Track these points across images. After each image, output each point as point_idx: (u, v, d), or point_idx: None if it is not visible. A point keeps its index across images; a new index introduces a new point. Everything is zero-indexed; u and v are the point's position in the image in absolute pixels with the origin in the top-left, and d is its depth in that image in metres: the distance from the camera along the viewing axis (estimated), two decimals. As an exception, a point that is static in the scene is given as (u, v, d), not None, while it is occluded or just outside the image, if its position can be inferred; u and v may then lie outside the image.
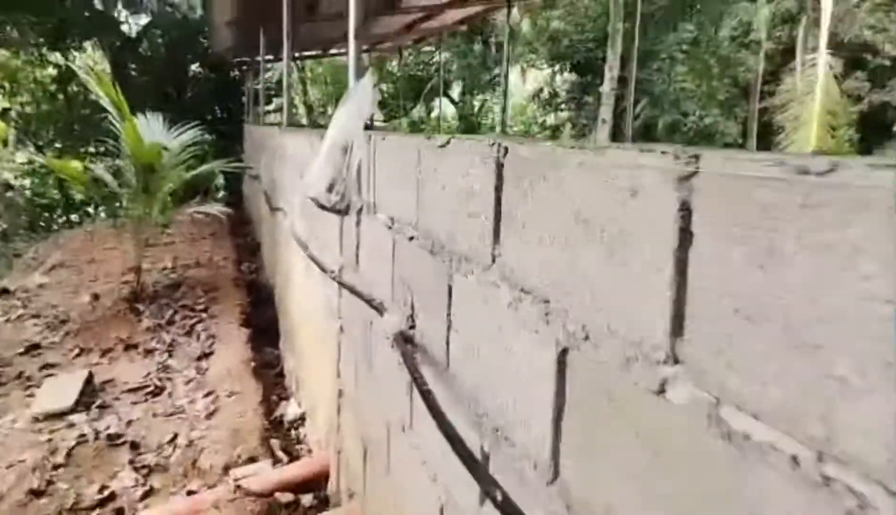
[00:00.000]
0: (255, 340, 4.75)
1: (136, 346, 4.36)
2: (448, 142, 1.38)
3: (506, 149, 1.11)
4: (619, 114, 12.28)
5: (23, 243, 8.62)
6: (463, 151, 1.30)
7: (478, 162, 1.21)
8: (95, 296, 5.43)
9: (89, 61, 13.25)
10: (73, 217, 13.73)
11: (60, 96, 12.69)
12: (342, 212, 2.28)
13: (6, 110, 12.99)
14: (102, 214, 9.48)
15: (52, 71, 13.06)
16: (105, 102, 4.63)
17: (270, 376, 4.29)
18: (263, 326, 5.25)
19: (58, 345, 4.52)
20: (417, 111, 21.81)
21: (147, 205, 4.94)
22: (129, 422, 3.31)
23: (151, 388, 3.69)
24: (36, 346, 4.48)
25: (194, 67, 14.60)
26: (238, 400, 3.53)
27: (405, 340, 1.63)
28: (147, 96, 11.44)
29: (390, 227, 1.91)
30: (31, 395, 3.67)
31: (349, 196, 2.26)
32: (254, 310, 5.37)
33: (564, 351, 0.93)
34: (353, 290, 2.29)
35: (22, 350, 4.43)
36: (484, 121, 20.67)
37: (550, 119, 19.19)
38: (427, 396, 1.35)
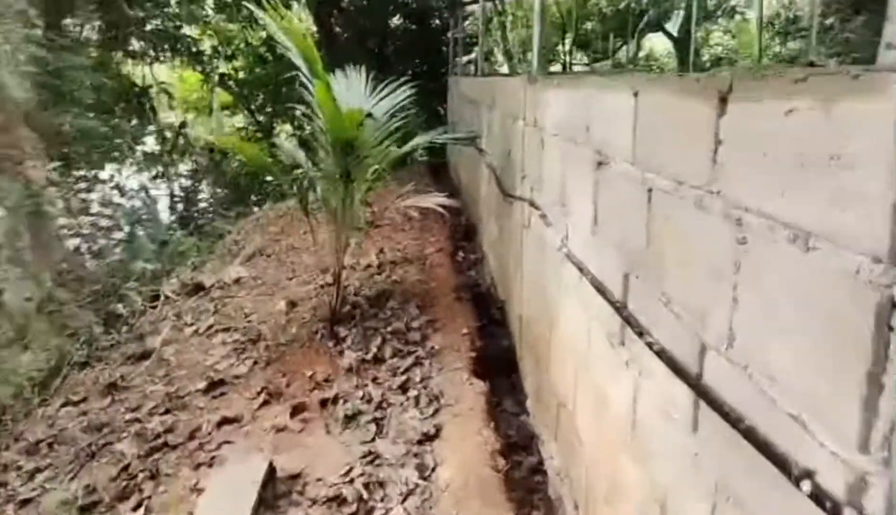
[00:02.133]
0: (491, 392, 3.29)
1: (335, 401, 3.13)
2: None
3: None
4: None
5: (228, 219, 8.23)
6: None
7: None
8: (292, 304, 4.40)
9: (295, 20, 12.79)
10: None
11: (270, 57, 12.47)
12: None
13: (223, 75, 13.16)
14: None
15: (263, 33, 12.86)
16: (293, 55, 3.33)
17: (522, 471, 2.78)
18: (494, 358, 3.80)
19: (243, 382, 3.49)
20: (628, 49, 18.75)
21: (347, 194, 3.65)
22: (321, 590, 2.01)
23: (354, 505, 2.37)
24: (219, 383, 3.49)
25: (395, 19, 13.81)
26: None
27: None
28: (351, 54, 10.62)
29: None
30: (198, 487, 2.58)
31: None
32: (482, 334, 3.92)
33: None
34: None
35: (203, 385, 3.47)
36: (701, 58, 16.98)
37: (779, 50, 15.17)
38: None
